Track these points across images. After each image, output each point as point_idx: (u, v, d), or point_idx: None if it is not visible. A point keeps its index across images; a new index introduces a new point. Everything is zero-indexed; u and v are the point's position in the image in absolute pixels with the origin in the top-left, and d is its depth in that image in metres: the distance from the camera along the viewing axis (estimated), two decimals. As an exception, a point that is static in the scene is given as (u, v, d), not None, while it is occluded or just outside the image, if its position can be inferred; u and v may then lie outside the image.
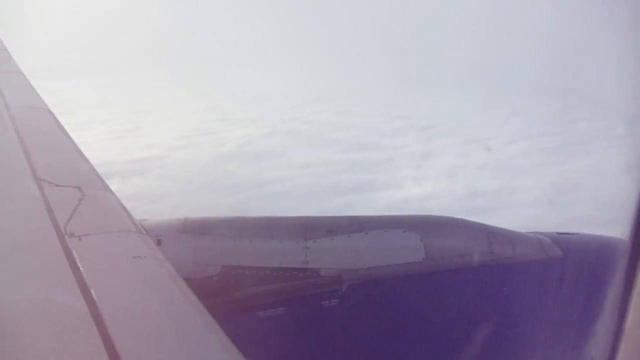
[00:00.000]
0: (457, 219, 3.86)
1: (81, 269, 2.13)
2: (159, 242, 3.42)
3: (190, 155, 21.97)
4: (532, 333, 3.53)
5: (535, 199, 16.08)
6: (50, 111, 4.84)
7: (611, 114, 24.70)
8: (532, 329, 3.54)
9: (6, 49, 8.64)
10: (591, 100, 28.66)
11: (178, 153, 22.19)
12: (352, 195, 16.96)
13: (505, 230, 3.82)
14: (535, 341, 3.51)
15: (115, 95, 36.21)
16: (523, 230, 3.91)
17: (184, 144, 24.01)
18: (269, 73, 42.51)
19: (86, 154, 3.82)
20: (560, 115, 27.22)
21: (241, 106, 33.02)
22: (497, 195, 16.58)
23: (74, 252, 2.26)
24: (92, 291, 1.97)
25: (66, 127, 4.46)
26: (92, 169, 3.48)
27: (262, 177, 18.77)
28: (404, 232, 3.66)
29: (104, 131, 25.06)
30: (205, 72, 43.27)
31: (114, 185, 3.49)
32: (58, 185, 3.00)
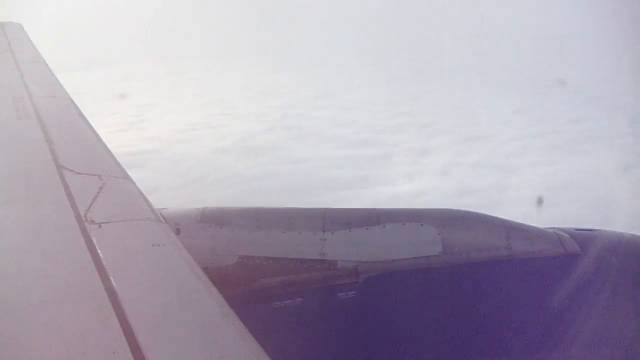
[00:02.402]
0: (476, 213, 3.82)
1: (101, 255, 2.16)
2: (177, 231, 3.45)
3: (189, 149, 22.21)
4: (547, 329, 3.53)
5: (527, 197, 16.08)
6: (72, 100, 4.90)
7: (617, 113, 24.53)
8: (547, 324, 3.53)
9: (30, 40, 8.88)
10: (597, 98, 28.40)
11: (177, 146, 22.45)
12: (343, 191, 17.09)
13: (523, 225, 3.78)
14: (551, 337, 3.52)
15: (122, 88, 36.52)
16: (542, 226, 3.88)
17: (185, 137, 24.25)
18: (274, 68, 42.58)
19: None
20: (564, 113, 27.01)
21: (246, 101, 33.17)
22: (488, 193, 16.62)
23: (94, 239, 2.28)
24: (111, 278, 1.99)
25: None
26: (113, 157, 3.50)
27: (257, 172, 18.95)
28: (422, 225, 3.65)
29: (110, 123, 25.44)
30: (212, 66, 43.41)
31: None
32: (79, 173, 3.03)
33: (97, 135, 3.95)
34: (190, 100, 33.13)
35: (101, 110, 27.34)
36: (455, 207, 3.91)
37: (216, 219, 3.68)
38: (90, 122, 4.36)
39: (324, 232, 3.63)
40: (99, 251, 2.18)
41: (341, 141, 23.46)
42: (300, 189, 17.11)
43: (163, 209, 3.45)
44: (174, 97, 33.74)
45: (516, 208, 14.93)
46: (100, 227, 2.41)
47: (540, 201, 15.81)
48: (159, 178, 17.20)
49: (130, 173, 3.45)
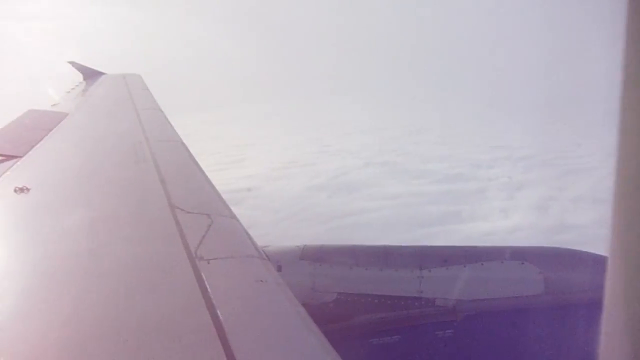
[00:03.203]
0: (580, 252, 3.66)
1: (209, 290, 2.27)
2: (279, 268, 3.60)
3: (284, 186, 22.92)
4: None
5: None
6: (183, 143, 5.21)
7: None
8: None
9: (147, 88, 9.82)
10: None
11: (273, 184, 23.26)
12: (435, 227, 16.89)
13: None
14: None
15: (227, 129, 38.36)
16: None
17: (280, 175, 25.10)
18: (369, 105, 43.21)
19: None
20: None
21: (341, 138, 33.82)
22: (589, 229, 15.77)
23: (203, 275, 2.40)
24: (218, 311, 2.10)
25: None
26: (220, 197, 3.64)
27: (349, 208, 19.18)
28: (522, 263, 3.56)
29: (212, 163, 26.86)
30: (309, 105, 44.82)
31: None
32: (190, 212, 3.17)
33: (205, 175, 4.18)
34: (286, 139, 34.27)
35: (205, 150, 28.99)
36: (552, 245, 3.81)
37: (316, 257, 3.78)
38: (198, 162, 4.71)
39: (421, 269, 3.62)
40: (208, 286, 2.30)
41: (435, 176, 23.29)
42: (392, 225, 17.14)
43: (266, 246, 3.55)
44: (271, 137, 35.07)
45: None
46: (209, 263, 2.54)
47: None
48: (254, 215, 17.95)
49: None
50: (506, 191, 20.74)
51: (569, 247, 3.72)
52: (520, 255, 3.62)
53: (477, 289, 3.56)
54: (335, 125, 37.76)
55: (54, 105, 8.26)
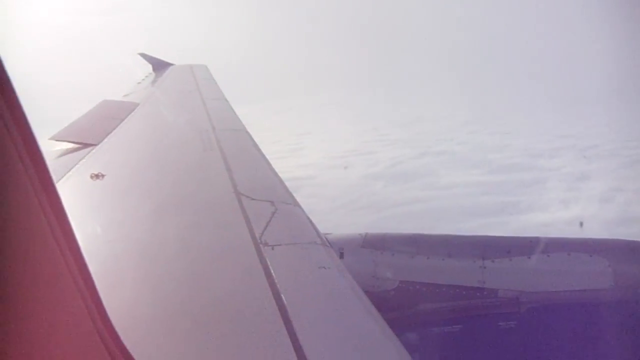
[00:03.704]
0: None
1: (274, 275, 2.31)
2: (341, 255, 3.61)
3: (341, 175, 23.12)
4: None
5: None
6: (247, 132, 5.31)
7: None
8: None
9: (214, 79, 10.20)
10: None
11: (330, 172, 23.51)
12: (491, 217, 16.69)
13: None
14: None
15: (285, 119, 38.79)
16: None
17: (338, 163, 25.29)
18: (429, 96, 42.72)
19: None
20: None
21: (399, 128, 33.65)
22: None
23: (267, 260, 2.45)
24: (282, 296, 2.13)
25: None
26: (284, 185, 3.70)
27: (403, 197, 19.21)
28: (590, 256, 3.49)
29: (271, 151, 27.23)
30: (369, 95, 44.77)
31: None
32: (254, 199, 3.24)
33: (269, 164, 4.24)
34: (345, 128, 34.37)
35: (265, 139, 29.41)
36: (616, 237, 3.71)
37: (377, 245, 3.80)
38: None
39: (484, 259, 3.60)
40: (272, 271, 2.34)
41: (492, 166, 22.89)
42: (446, 214, 17.05)
43: (328, 233, 3.57)
44: (330, 126, 35.27)
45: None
46: (273, 249, 2.58)
47: None
48: (313, 203, 18.22)
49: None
50: (567, 182, 20.15)
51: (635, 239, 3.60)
52: (588, 247, 3.55)
53: (542, 281, 3.51)
54: (393, 115, 37.56)
55: (125, 95, 8.57)
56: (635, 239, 3.62)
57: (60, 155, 4.61)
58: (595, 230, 14.89)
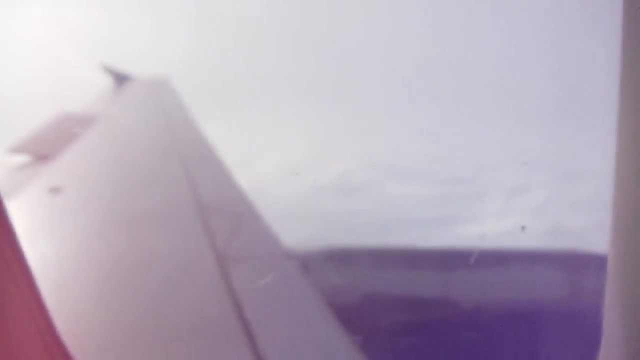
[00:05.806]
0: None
1: (236, 290, 2.30)
2: (304, 268, 3.66)
3: (289, 186, 22.81)
4: None
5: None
6: (209, 144, 5.32)
7: None
8: None
9: (174, 90, 9.31)
10: None
11: (279, 184, 23.28)
12: (430, 229, 16.85)
13: None
14: None
15: (235, 130, 38.02)
16: None
17: (287, 175, 24.99)
18: (379, 107, 42.77)
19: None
20: None
21: (349, 138, 33.58)
22: (584, 232, 15.80)
23: (230, 275, 2.43)
24: (245, 312, 2.12)
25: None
26: (245, 195, 3.70)
27: (351, 209, 19.11)
28: (548, 266, 3.71)
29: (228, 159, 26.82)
30: (320, 106, 44.39)
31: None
32: (217, 212, 3.25)
33: (231, 175, 4.25)
34: (294, 139, 34.05)
35: (220, 149, 28.79)
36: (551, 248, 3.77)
37: (340, 257, 3.85)
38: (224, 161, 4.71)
39: (445, 271, 3.72)
40: (234, 286, 2.33)
41: (434, 179, 23.16)
42: (389, 226, 17.13)
43: (291, 246, 3.55)
44: (279, 137, 34.95)
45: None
46: (235, 263, 2.56)
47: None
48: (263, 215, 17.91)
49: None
50: (504, 195, 20.66)
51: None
52: (546, 258, 3.74)
53: (502, 292, 3.61)
54: (339, 128, 37.55)
55: (83, 108, 8.34)
56: (592, 250, 3.50)
57: (18, 169, 4.51)
58: (530, 242, 15.35)
